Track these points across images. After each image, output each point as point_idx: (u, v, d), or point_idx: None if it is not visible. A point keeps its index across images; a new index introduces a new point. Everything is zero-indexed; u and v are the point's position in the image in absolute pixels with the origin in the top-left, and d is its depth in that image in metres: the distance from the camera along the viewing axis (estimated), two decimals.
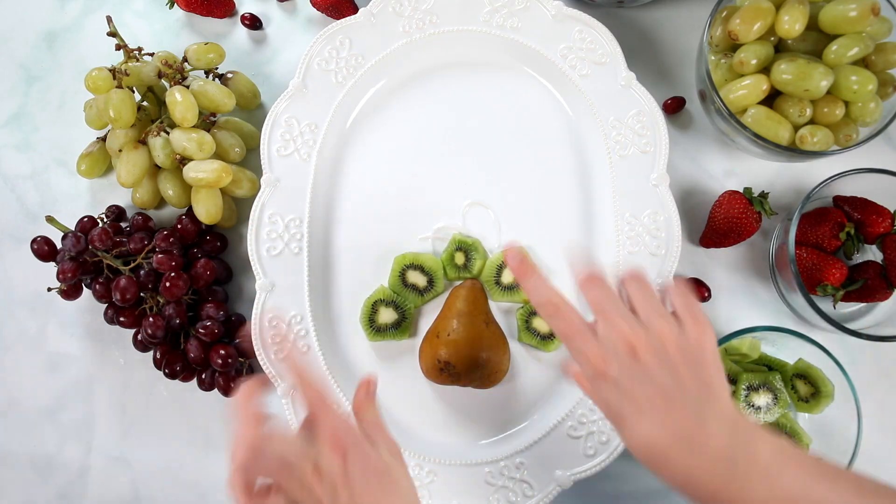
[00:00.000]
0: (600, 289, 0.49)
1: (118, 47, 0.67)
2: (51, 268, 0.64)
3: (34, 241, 0.65)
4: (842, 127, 0.62)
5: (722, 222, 0.65)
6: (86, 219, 0.67)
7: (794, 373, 0.62)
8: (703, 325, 0.47)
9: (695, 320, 0.47)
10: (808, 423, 0.63)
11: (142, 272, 0.64)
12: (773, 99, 0.64)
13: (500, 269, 0.66)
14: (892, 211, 0.64)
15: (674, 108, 0.70)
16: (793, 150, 0.62)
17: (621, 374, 0.45)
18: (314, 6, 0.73)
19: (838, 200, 0.66)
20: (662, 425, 0.44)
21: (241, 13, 0.75)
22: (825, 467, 0.43)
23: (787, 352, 0.63)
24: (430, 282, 0.65)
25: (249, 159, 0.70)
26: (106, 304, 0.66)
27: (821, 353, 0.59)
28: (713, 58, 0.66)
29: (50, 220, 0.66)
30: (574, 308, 0.49)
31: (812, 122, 0.63)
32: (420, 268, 0.66)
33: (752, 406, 0.61)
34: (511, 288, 0.65)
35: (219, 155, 0.67)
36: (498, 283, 0.65)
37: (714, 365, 0.46)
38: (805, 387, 0.62)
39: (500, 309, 0.66)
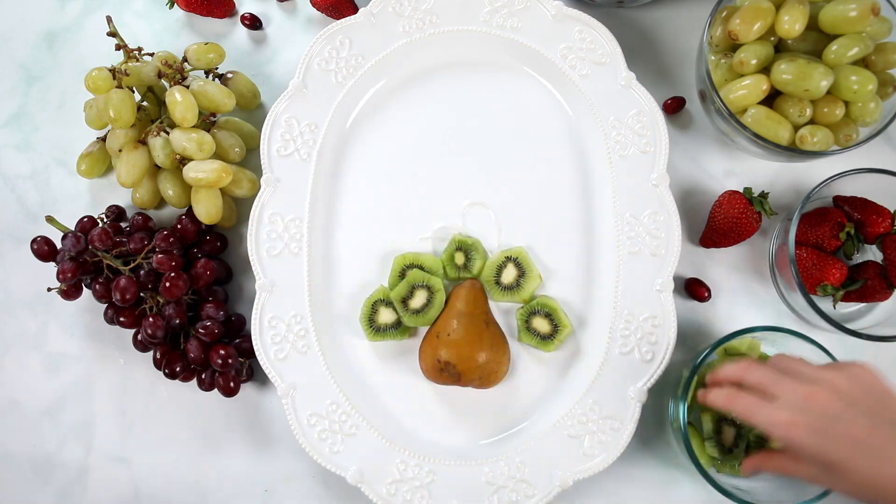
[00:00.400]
0: (758, 369, 0.52)
1: (118, 47, 0.67)
2: (51, 268, 0.64)
3: (34, 241, 0.65)
4: (842, 127, 0.62)
5: (722, 222, 0.65)
6: (86, 219, 0.67)
7: None
8: (860, 364, 0.50)
9: (851, 364, 0.50)
10: None
11: (142, 272, 0.64)
12: (773, 99, 0.64)
13: (500, 269, 0.66)
14: (892, 211, 0.64)
15: (674, 108, 0.70)
16: (793, 150, 0.62)
17: (824, 425, 0.47)
18: (314, 6, 0.73)
19: (838, 200, 0.66)
20: (887, 457, 0.45)
21: (241, 13, 0.75)
22: None
23: (788, 352, 0.63)
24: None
25: (249, 159, 0.70)
26: (106, 304, 0.66)
27: (821, 353, 0.59)
28: (713, 58, 0.66)
29: (50, 220, 0.66)
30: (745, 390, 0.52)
31: (812, 122, 0.63)
32: (420, 268, 0.66)
33: None
34: (511, 288, 0.65)
35: (219, 155, 0.67)
36: (498, 283, 0.65)
37: (891, 390, 0.49)
38: None
39: (500, 309, 0.66)
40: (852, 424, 0.46)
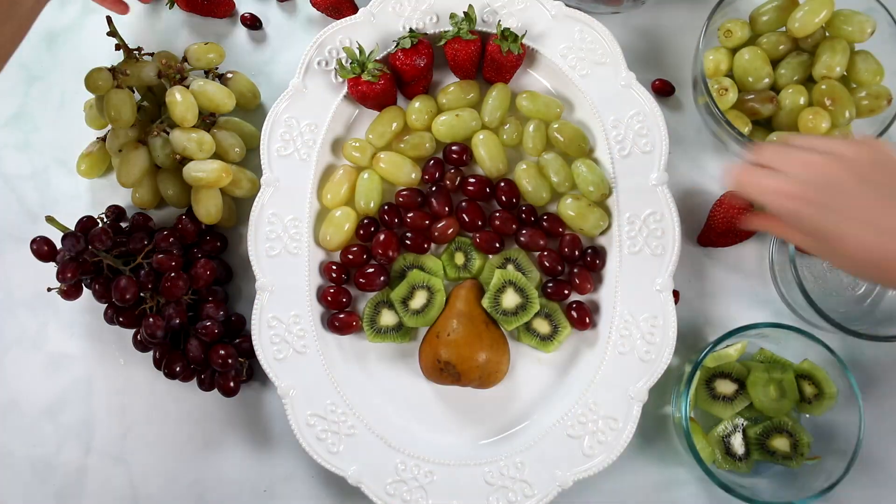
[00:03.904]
0: (770, 147, 0.50)
1: (118, 47, 0.67)
2: (51, 268, 0.64)
3: (34, 241, 0.65)
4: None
5: (721, 222, 0.65)
6: (86, 219, 0.67)
7: (799, 374, 0.62)
8: (868, 139, 0.48)
9: (859, 139, 0.48)
10: (809, 423, 0.63)
11: (142, 272, 0.64)
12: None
13: (500, 293, 0.65)
14: None
15: (663, 89, 0.70)
16: None
17: (824, 197, 0.45)
18: (314, 6, 0.73)
19: None
20: (888, 229, 0.44)
21: (240, 13, 0.75)
22: None
23: (790, 352, 0.63)
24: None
25: (249, 159, 0.70)
26: (106, 304, 0.66)
27: (823, 351, 0.60)
28: (711, 57, 0.66)
29: (50, 220, 0.66)
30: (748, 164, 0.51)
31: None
32: (420, 268, 0.66)
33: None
34: (513, 314, 0.65)
35: (219, 155, 0.67)
36: (497, 307, 0.65)
37: None
38: (810, 388, 0.62)
39: None
40: (860, 197, 0.45)
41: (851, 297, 0.67)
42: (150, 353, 0.66)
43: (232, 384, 0.64)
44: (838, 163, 0.47)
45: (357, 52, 0.65)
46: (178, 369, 0.64)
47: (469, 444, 0.64)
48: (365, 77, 0.64)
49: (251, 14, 0.74)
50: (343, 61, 0.67)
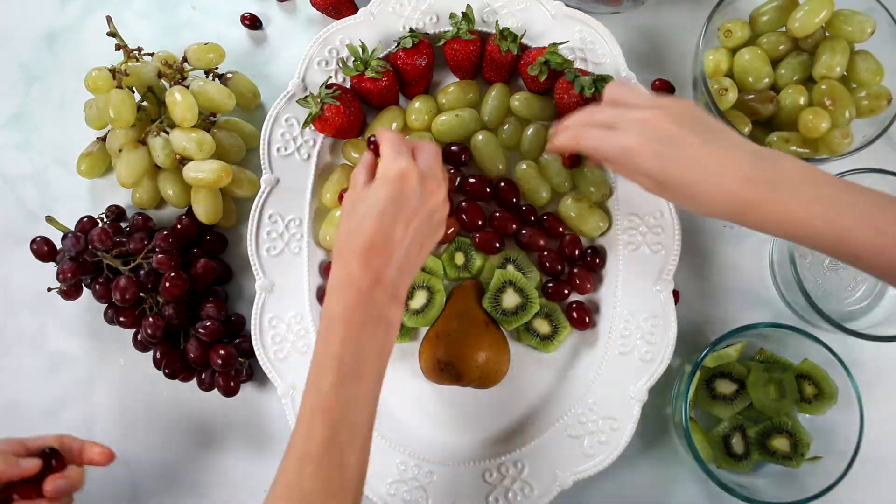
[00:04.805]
0: (601, 108, 0.55)
1: (118, 47, 0.67)
2: (51, 268, 0.64)
3: (34, 241, 0.65)
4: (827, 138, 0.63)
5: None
6: (86, 219, 0.67)
7: (799, 374, 0.62)
8: (686, 99, 0.54)
9: (679, 97, 0.55)
10: (809, 423, 0.63)
11: (142, 272, 0.64)
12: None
13: (500, 293, 0.65)
14: None
15: (664, 89, 0.70)
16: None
17: (663, 147, 0.50)
18: (314, 6, 0.73)
19: None
20: (716, 171, 0.49)
21: (241, 13, 0.75)
22: (842, 181, 0.49)
23: (790, 352, 0.63)
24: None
25: (249, 159, 0.70)
26: (106, 304, 0.66)
27: (823, 351, 0.59)
28: (711, 57, 0.66)
29: (50, 220, 0.66)
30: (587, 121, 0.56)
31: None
32: (420, 268, 0.66)
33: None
34: (513, 314, 0.65)
35: (219, 155, 0.67)
36: (497, 308, 0.65)
37: (714, 118, 0.52)
38: (810, 388, 0.62)
39: None
40: (687, 145, 0.50)
41: (851, 297, 0.67)
42: (150, 353, 0.66)
43: (232, 384, 0.64)
44: (668, 116, 0.51)
45: (360, 49, 0.65)
46: (178, 369, 0.64)
47: (469, 444, 0.64)
48: (368, 74, 0.64)
49: (251, 14, 0.74)
50: (345, 60, 0.67)
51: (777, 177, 0.49)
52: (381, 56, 0.67)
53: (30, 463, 0.53)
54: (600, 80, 0.63)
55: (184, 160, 0.65)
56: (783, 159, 0.50)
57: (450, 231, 0.66)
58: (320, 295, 0.66)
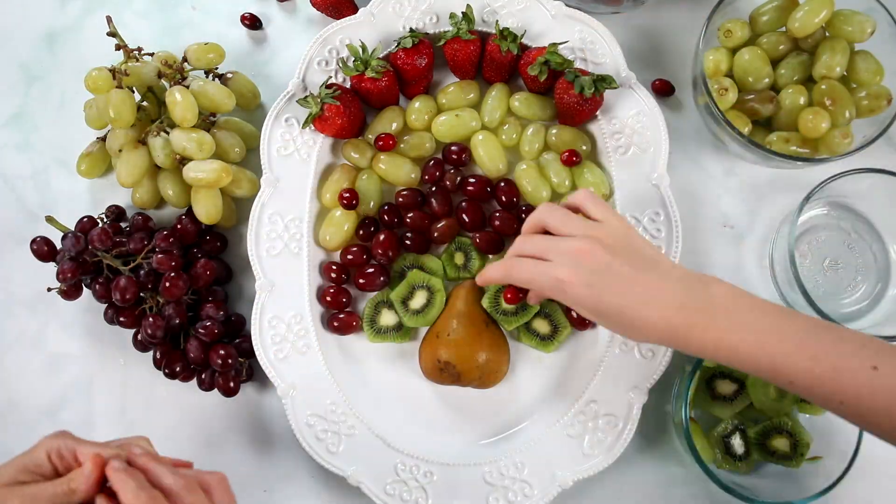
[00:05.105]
0: (529, 240, 0.55)
1: (118, 47, 0.67)
2: (51, 268, 0.64)
3: (34, 241, 0.65)
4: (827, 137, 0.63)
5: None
6: (86, 219, 0.67)
7: None
8: (615, 217, 0.54)
9: (607, 216, 0.54)
10: (809, 423, 0.63)
11: (142, 272, 0.64)
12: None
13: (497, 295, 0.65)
14: None
15: (662, 89, 0.70)
16: (782, 156, 0.62)
17: (596, 278, 0.51)
18: (314, 6, 0.73)
19: None
20: (648, 301, 0.50)
21: (241, 13, 0.75)
22: (773, 305, 0.50)
23: None
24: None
25: (249, 159, 0.70)
26: (106, 304, 0.66)
27: None
28: (711, 57, 0.66)
29: (50, 220, 0.66)
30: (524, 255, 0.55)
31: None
32: (420, 268, 0.66)
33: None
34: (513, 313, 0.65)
35: (219, 155, 0.67)
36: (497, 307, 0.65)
37: (645, 242, 0.54)
38: None
39: None
40: (618, 275, 0.51)
41: (851, 297, 0.67)
42: (150, 353, 0.66)
43: (232, 384, 0.64)
44: (599, 245, 0.52)
45: (360, 49, 0.65)
46: (178, 369, 0.64)
47: (469, 444, 0.64)
48: (369, 74, 0.64)
49: (251, 14, 0.74)
50: (345, 60, 0.67)
51: (709, 304, 0.50)
52: (381, 56, 0.67)
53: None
54: (600, 80, 0.63)
55: (184, 160, 0.65)
56: (713, 285, 0.51)
57: (449, 231, 0.66)
58: (320, 295, 0.66)
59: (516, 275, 0.55)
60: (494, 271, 0.57)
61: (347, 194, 0.65)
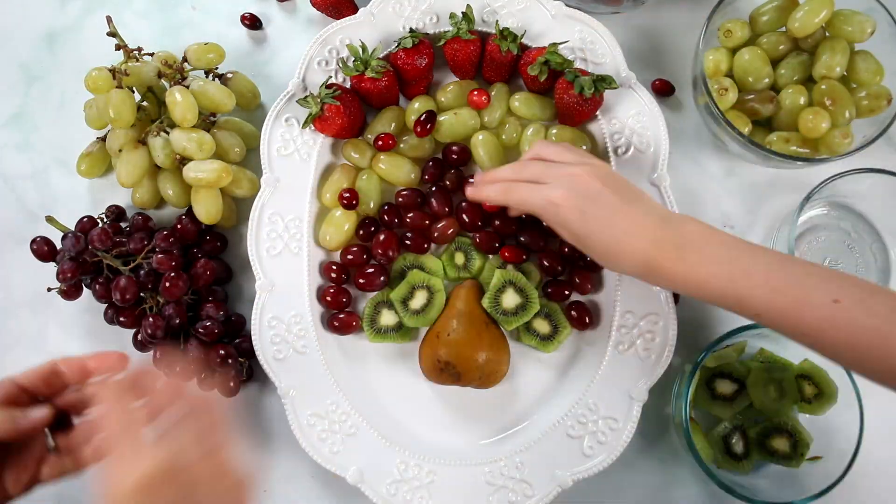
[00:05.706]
0: (529, 164, 0.58)
1: (118, 47, 0.67)
2: (51, 268, 0.64)
3: (34, 241, 0.65)
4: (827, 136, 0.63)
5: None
6: (86, 219, 0.67)
7: (799, 374, 0.62)
8: (600, 161, 0.58)
9: (595, 158, 0.59)
10: (809, 423, 0.63)
11: (142, 272, 0.64)
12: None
13: (500, 293, 0.65)
14: None
15: (662, 89, 0.71)
16: (782, 156, 0.62)
17: (587, 204, 0.54)
18: (314, 6, 0.73)
19: None
20: (650, 237, 0.53)
21: (241, 13, 0.75)
22: (745, 242, 0.52)
23: (790, 352, 0.63)
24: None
25: (249, 159, 0.70)
26: (106, 304, 0.66)
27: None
28: (711, 57, 0.66)
29: (50, 220, 0.66)
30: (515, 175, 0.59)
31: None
32: (420, 268, 0.66)
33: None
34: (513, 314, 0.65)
35: (219, 155, 0.67)
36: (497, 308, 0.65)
37: (630, 182, 0.57)
38: (810, 388, 0.62)
39: None
40: (606, 204, 0.54)
41: None
42: (150, 353, 0.66)
43: (232, 384, 0.64)
44: (593, 172, 0.55)
45: (360, 49, 0.65)
46: (178, 369, 0.64)
47: (469, 444, 0.64)
48: (369, 74, 0.64)
49: (251, 14, 0.74)
50: (345, 60, 0.67)
51: (681, 239, 0.52)
52: (381, 56, 0.67)
53: (39, 413, 0.47)
54: (600, 81, 0.63)
55: (184, 160, 0.65)
56: (687, 223, 0.53)
57: (449, 231, 0.66)
58: (320, 295, 0.66)
59: (514, 195, 0.57)
60: (491, 190, 0.59)
61: (347, 194, 0.65)
